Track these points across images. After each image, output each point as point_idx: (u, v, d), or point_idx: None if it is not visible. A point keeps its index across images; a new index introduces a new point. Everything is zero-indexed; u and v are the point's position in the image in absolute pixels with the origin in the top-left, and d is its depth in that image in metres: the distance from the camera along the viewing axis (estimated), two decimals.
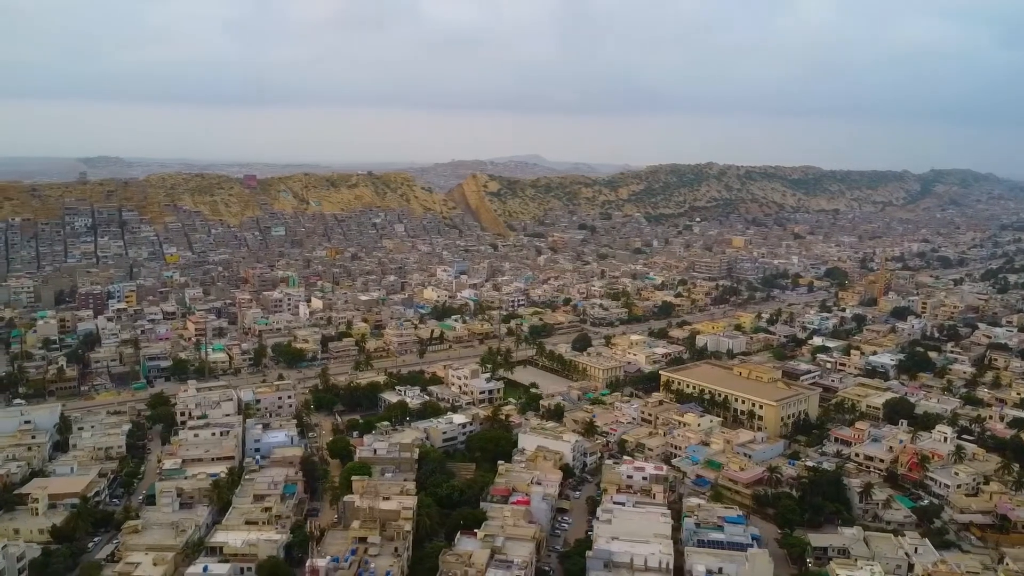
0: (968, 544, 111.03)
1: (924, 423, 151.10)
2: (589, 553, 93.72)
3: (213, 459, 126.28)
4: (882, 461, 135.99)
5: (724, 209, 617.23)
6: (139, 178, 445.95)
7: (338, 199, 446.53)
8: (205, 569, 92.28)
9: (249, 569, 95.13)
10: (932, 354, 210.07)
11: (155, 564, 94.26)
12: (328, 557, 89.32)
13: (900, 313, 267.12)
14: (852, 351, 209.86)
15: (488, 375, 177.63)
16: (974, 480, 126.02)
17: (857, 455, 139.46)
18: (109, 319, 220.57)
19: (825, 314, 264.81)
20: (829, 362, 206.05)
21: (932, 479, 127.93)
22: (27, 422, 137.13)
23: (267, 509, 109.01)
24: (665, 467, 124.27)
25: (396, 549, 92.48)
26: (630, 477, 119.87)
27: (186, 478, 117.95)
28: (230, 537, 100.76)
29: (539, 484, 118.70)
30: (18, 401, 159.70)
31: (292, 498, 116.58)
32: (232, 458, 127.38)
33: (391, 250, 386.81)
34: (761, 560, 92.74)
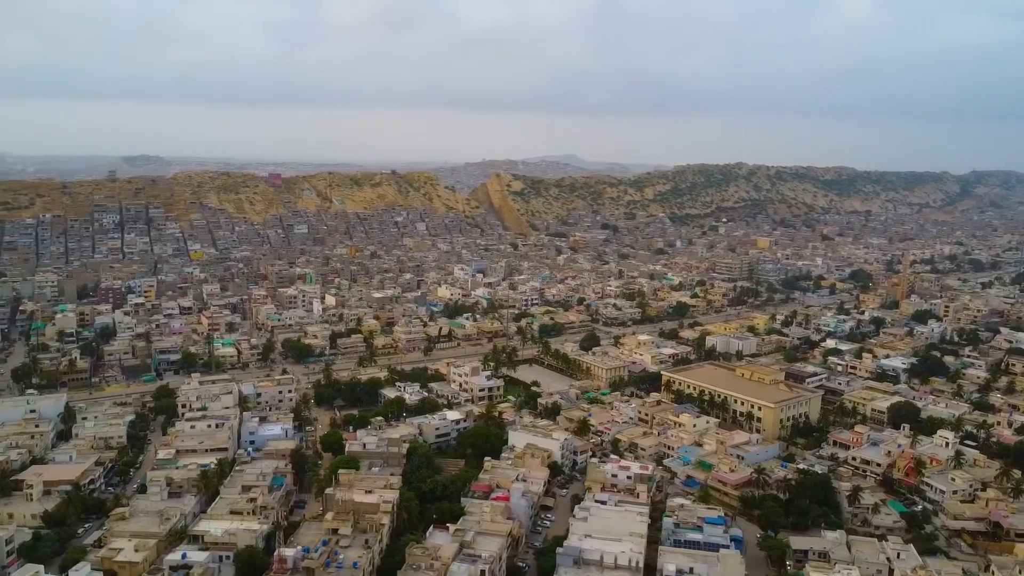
0: (958, 551, 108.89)
1: (929, 428, 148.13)
2: (559, 549, 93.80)
3: (207, 450, 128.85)
4: (879, 465, 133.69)
5: (752, 210, 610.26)
6: (167, 176, 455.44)
7: (361, 198, 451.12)
8: (184, 556, 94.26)
9: (228, 557, 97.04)
10: (949, 358, 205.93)
11: (136, 550, 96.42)
12: (299, 547, 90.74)
13: (921, 316, 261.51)
14: (864, 354, 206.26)
15: (488, 373, 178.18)
16: (971, 486, 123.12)
17: (854, 459, 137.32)
18: (126, 313, 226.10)
19: (842, 317, 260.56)
20: (840, 365, 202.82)
21: (928, 484, 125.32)
22: (32, 411, 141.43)
23: (252, 500, 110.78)
24: (651, 467, 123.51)
25: (367, 541, 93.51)
26: (615, 476, 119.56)
27: (177, 468, 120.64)
28: (212, 526, 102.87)
29: (524, 481, 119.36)
30: (30, 391, 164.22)
31: (280, 490, 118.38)
32: (225, 449, 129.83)
33: (411, 248, 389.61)
34: (732, 561, 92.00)
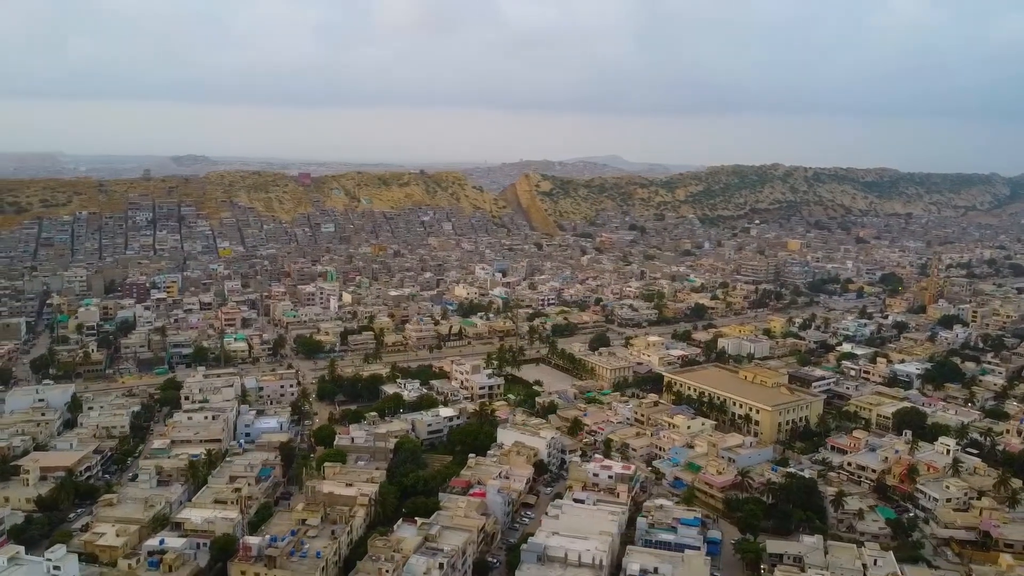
0: (944, 560, 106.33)
1: (933, 435, 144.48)
2: (524, 546, 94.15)
3: (201, 441, 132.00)
4: (874, 471, 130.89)
5: (786, 212, 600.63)
6: (201, 175, 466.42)
7: (389, 197, 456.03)
8: (161, 542, 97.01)
9: (205, 544, 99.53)
10: (969, 365, 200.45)
11: (118, 535, 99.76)
12: (267, 536, 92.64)
13: (948, 321, 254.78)
14: (879, 359, 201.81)
15: (489, 371, 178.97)
16: (965, 495, 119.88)
17: (849, 464, 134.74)
18: (147, 308, 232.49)
19: (864, 320, 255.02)
20: (853, 369, 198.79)
21: (921, 492, 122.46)
22: (41, 400, 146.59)
23: (237, 490, 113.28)
24: (632, 467, 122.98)
25: (333, 532, 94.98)
26: (596, 475, 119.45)
27: (168, 457, 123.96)
28: (194, 514, 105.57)
29: (506, 478, 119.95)
30: (47, 381, 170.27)
31: (267, 481, 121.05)
32: (219, 441, 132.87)
33: (435, 248, 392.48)
34: (696, 562, 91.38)
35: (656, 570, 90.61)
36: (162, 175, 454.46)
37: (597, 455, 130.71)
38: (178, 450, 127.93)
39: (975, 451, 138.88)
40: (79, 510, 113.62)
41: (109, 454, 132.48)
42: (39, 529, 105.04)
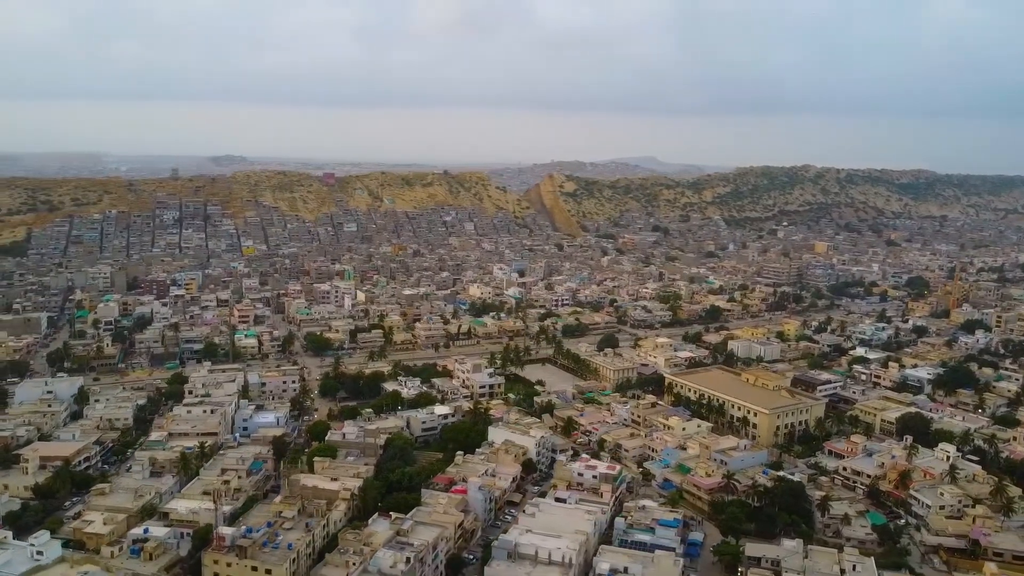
0: (931, 568, 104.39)
1: (937, 441, 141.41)
2: (495, 543, 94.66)
3: (198, 434, 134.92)
4: (869, 476, 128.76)
5: (816, 214, 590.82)
6: (226, 175, 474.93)
7: (411, 197, 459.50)
8: (146, 531, 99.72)
9: (189, 534, 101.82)
10: (987, 371, 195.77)
11: (105, 523, 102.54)
12: (243, 527, 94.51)
13: (971, 326, 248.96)
14: (891, 364, 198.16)
15: (490, 370, 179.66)
16: (959, 502, 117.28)
17: (845, 469, 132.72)
18: (164, 304, 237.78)
19: (882, 324, 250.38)
20: (864, 374, 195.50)
21: (915, 498, 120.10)
22: (49, 392, 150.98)
23: (226, 482, 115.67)
24: (618, 467, 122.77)
25: (307, 525, 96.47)
26: (581, 475, 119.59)
27: (163, 450, 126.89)
28: (181, 505, 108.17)
29: (492, 476, 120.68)
30: (61, 374, 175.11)
31: (257, 474, 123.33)
32: (215, 434, 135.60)
33: (455, 248, 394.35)
34: (666, 563, 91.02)
35: (626, 570, 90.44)
36: (189, 175, 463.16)
37: (584, 455, 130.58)
38: (175, 443, 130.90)
39: (977, 458, 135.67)
40: (75, 498, 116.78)
41: (110, 445, 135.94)
42: (33, 516, 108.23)
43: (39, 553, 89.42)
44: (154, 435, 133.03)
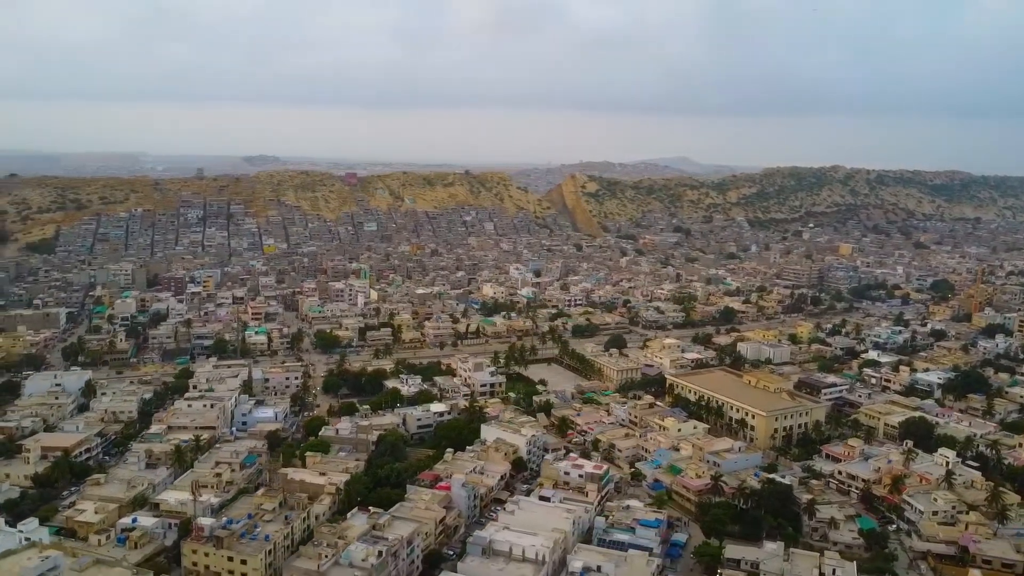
0: (917, 574, 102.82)
1: (940, 446, 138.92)
2: (469, 539, 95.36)
3: (197, 428, 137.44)
4: (864, 481, 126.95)
5: (843, 215, 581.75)
6: (250, 175, 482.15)
7: (432, 197, 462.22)
8: (134, 520, 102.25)
9: (176, 524, 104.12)
10: (1003, 375, 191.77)
11: (96, 512, 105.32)
12: (224, 518, 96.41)
13: (992, 331, 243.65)
14: (902, 367, 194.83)
15: (492, 369, 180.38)
16: (953, 508, 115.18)
17: (840, 473, 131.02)
18: (180, 301, 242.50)
19: (898, 328, 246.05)
20: (874, 377, 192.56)
21: (908, 503, 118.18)
22: (57, 385, 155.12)
23: (218, 475, 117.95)
24: (605, 466, 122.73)
25: (286, 518, 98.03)
26: (567, 474, 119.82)
27: (161, 442, 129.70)
28: (171, 496, 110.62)
29: (479, 473, 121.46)
30: (74, 368, 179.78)
31: (251, 467, 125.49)
32: (213, 428, 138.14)
33: (473, 248, 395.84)
34: (639, 562, 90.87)
35: (599, 568, 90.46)
36: (218, 175, 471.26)
37: (572, 454, 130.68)
38: (173, 436, 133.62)
39: (976, 464, 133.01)
40: (73, 488, 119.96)
41: (112, 437, 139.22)
42: (31, 504, 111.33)
43: (27, 539, 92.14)
44: (153, 428, 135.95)
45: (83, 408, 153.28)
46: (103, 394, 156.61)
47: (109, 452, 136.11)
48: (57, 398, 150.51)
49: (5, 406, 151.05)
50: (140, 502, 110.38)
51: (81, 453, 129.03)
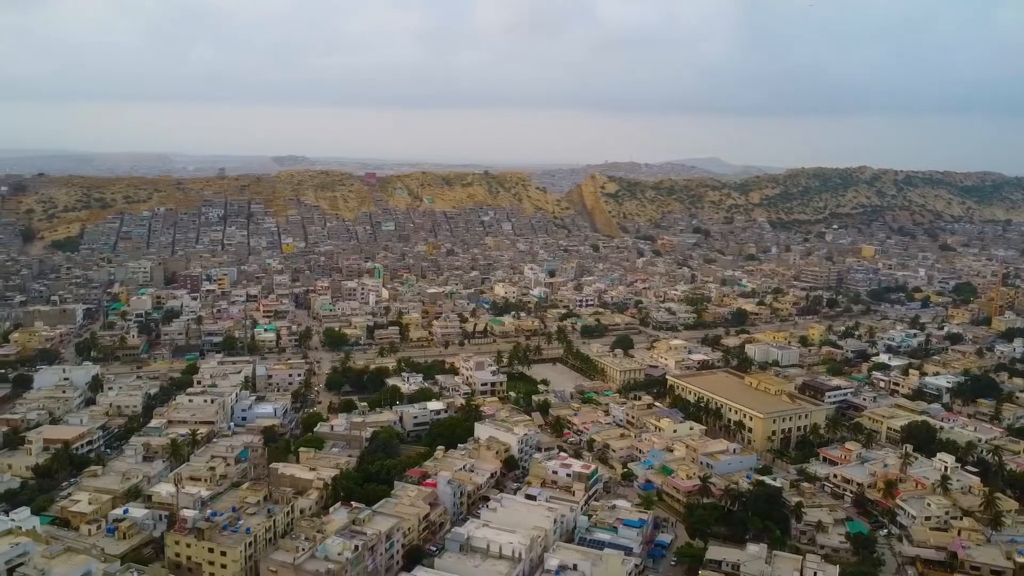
0: None
1: (942, 450, 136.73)
2: (448, 535, 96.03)
3: (196, 422, 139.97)
4: (859, 485, 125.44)
5: (868, 217, 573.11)
6: (271, 175, 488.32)
7: (451, 197, 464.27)
8: (125, 511, 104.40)
9: (167, 516, 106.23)
10: (1017, 380, 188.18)
11: (90, 503, 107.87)
12: (208, 511, 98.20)
13: (1011, 335, 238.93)
14: (911, 371, 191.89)
15: (494, 368, 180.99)
16: (946, 513, 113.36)
17: (835, 476, 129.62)
18: (193, 298, 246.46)
19: (913, 331, 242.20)
20: (883, 381, 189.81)
21: (902, 508, 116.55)
22: (65, 379, 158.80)
23: (211, 469, 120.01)
24: (593, 465, 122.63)
25: (269, 511, 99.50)
26: (555, 472, 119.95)
27: (159, 436, 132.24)
28: (164, 488, 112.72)
29: (470, 471, 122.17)
30: (86, 363, 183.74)
31: (246, 462, 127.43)
32: (212, 423, 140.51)
33: (490, 247, 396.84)
34: (614, 561, 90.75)
35: (575, 567, 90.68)
36: (239, 174, 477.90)
37: (562, 453, 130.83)
38: (172, 430, 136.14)
39: (975, 469, 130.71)
40: (72, 479, 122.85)
41: (115, 431, 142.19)
42: (29, 494, 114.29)
43: (19, 528, 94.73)
44: (154, 422, 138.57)
45: (90, 402, 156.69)
46: (109, 388, 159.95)
47: (111, 445, 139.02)
48: (64, 392, 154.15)
49: (16, 399, 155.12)
50: (134, 494, 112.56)
51: (82, 446, 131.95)
